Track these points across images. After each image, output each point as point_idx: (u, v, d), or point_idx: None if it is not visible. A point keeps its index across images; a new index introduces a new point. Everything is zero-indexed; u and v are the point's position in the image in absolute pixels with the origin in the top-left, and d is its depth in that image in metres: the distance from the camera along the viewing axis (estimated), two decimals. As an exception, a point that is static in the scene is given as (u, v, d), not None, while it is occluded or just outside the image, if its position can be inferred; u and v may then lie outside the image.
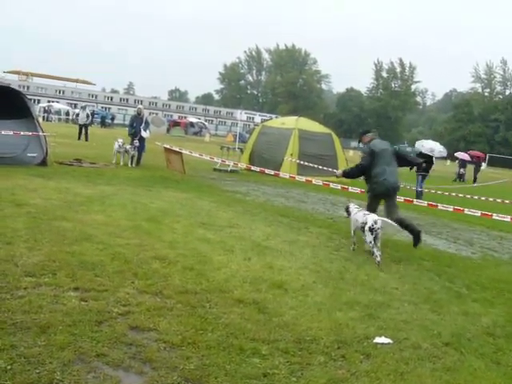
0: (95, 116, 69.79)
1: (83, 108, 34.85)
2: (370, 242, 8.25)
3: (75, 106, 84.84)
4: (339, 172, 10.64)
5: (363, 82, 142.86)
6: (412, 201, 11.50)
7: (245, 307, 5.53)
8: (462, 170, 34.27)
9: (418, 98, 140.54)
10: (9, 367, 3.85)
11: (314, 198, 16.06)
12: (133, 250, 7.19)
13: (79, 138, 31.54)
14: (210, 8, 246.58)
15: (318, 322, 5.40)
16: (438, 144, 34.03)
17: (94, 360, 4.11)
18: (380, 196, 9.76)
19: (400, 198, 10.59)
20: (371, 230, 8.22)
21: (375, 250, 8.15)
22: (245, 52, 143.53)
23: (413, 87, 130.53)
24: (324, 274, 7.27)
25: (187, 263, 6.83)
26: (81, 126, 32.42)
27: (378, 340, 5.12)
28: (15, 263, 6.09)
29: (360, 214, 8.77)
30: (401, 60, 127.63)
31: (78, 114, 36.61)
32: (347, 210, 9.43)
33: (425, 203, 11.19)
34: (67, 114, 73.25)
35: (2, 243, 6.81)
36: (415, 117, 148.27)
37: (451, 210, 10.35)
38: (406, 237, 10.14)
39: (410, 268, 8.26)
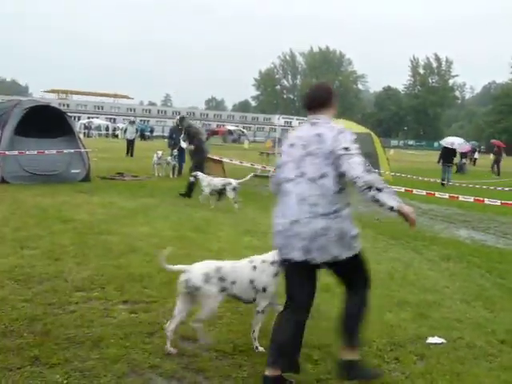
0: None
1: (132, 123, 32.66)
2: None
3: (115, 121, 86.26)
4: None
5: (400, 80, 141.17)
6: (433, 194, 11.32)
7: (294, 313, 5.48)
8: (463, 160, 33.01)
9: (457, 93, 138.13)
10: (65, 381, 3.91)
11: (357, 199, 15.89)
12: (179, 260, 7.21)
13: (128, 154, 29.81)
14: (243, 17, 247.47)
15: (369, 324, 5.32)
16: (458, 138, 33.37)
17: (147, 372, 4.14)
18: None
19: (445, 195, 10.45)
20: None
21: None
22: (279, 57, 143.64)
23: (450, 82, 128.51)
24: (372, 275, 7.16)
25: (234, 271, 6.82)
26: (129, 141, 30.43)
27: (431, 340, 5.03)
28: (65, 279, 6.21)
29: None
30: (436, 55, 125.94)
31: (125, 130, 34.17)
32: None
33: (471, 199, 10.97)
34: (107, 129, 74.52)
35: (51, 259, 6.95)
36: (454, 112, 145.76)
37: (499, 203, 10.13)
38: (454, 234, 9.96)
39: (460, 265, 8.10)
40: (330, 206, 3.94)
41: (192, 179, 12.94)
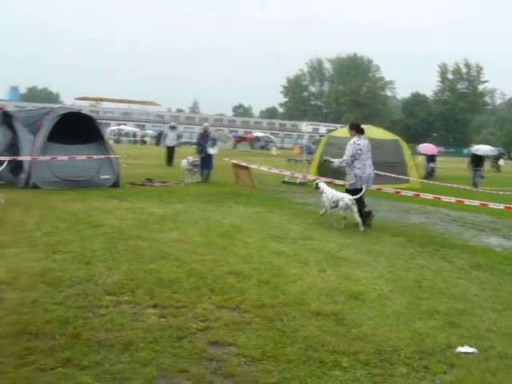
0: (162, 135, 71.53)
1: (173, 128, 29.44)
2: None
3: (143, 128, 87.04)
4: None
5: (429, 86, 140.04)
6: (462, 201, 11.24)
7: (323, 319, 5.48)
8: (431, 164, 30.55)
9: (487, 98, 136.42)
10: (95, 384, 3.96)
11: (385, 206, 15.80)
12: (208, 265, 7.28)
13: (169, 163, 27.18)
14: (270, 22, 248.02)
15: (397, 332, 5.30)
16: (485, 146, 33.05)
17: (177, 376, 4.17)
18: None
19: (475, 202, 10.33)
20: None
21: None
22: (306, 63, 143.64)
23: (480, 87, 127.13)
24: (400, 282, 7.14)
25: (262, 277, 6.85)
26: (169, 149, 27.93)
27: (462, 349, 4.96)
28: (95, 282, 6.29)
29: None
30: (466, 60, 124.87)
31: (165, 136, 29.98)
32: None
33: (501, 206, 10.82)
34: (134, 135, 75.23)
35: (81, 263, 7.05)
36: (485, 118, 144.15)
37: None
38: (484, 241, 9.84)
39: (490, 274, 7.99)
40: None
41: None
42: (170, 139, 28.17)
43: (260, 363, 4.46)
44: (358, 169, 11.65)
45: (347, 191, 11.71)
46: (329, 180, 13.73)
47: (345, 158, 11.70)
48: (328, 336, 5.04)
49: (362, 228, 11.03)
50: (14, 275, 6.42)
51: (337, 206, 11.33)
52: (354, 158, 11.60)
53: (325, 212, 11.86)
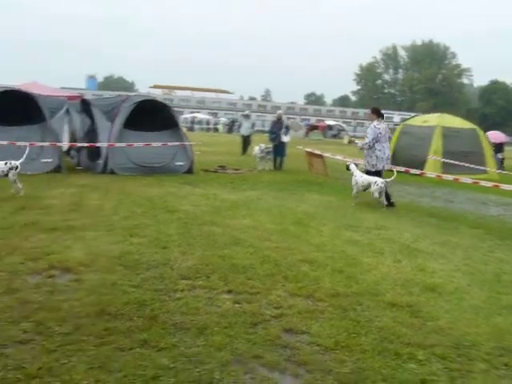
0: (235, 124, 72.27)
1: (246, 116, 28.69)
2: None
3: (216, 115, 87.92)
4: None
5: (509, 73, 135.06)
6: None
7: (397, 311, 5.39)
8: (498, 155, 25.59)
9: None
10: (172, 365, 4.03)
11: (462, 197, 15.37)
12: (282, 253, 7.29)
13: (244, 152, 26.60)
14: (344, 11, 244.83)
15: (475, 326, 5.14)
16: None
17: (251, 361, 4.19)
18: None
19: None
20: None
21: None
22: (380, 51, 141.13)
23: None
24: (479, 276, 6.93)
25: (336, 266, 6.80)
26: (245, 138, 27.24)
27: (545, 347, 4.77)
28: (171, 266, 6.41)
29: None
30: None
31: (240, 125, 29.65)
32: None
33: None
34: (207, 123, 76.08)
35: (158, 248, 7.20)
36: None
37: None
38: None
39: None
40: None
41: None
42: (245, 128, 27.58)
43: (333, 352, 4.42)
44: (379, 151, 12.44)
45: (367, 172, 12.40)
46: (402, 169, 13.51)
47: (367, 140, 12.47)
48: (403, 328, 4.95)
49: (385, 206, 11.81)
50: (94, 257, 6.63)
51: (366, 189, 12.02)
52: (375, 140, 12.33)
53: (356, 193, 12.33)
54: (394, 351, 4.46)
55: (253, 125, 28.83)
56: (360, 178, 12.20)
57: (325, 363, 4.24)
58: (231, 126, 66.79)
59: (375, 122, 12.60)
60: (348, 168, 12.80)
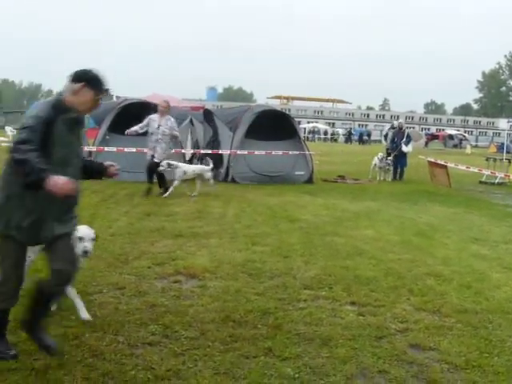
0: (353, 134, 71.85)
1: (394, 129, 22.73)
2: None
3: (333, 125, 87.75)
4: None
5: None
6: None
7: (533, 331, 5.07)
8: None
9: None
10: (296, 375, 4.01)
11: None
12: (405, 265, 7.10)
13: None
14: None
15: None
16: None
17: (376, 376, 4.09)
18: None
19: None
20: None
21: None
22: (505, 56, 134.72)
23: None
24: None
25: (463, 281, 6.51)
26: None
27: None
28: (294, 276, 6.42)
29: None
30: None
31: (386, 135, 25.13)
32: None
33: None
34: (325, 133, 76.11)
35: (280, 256, 7.25)
36: None
37: None
38: None
39: None
40: None
41: None
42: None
43: (464, 372, 4.22)
44: None
45: None
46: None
47: None
48: (541, 350, 4.65)
49: None
50: (217, 264, 6.77)
51: None
52: None
53: None
54: (531, 374, 4.20)
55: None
56: None
57: (455, 383, 4.06)
58: (349, 136, 66.24)
59: None
60: None
